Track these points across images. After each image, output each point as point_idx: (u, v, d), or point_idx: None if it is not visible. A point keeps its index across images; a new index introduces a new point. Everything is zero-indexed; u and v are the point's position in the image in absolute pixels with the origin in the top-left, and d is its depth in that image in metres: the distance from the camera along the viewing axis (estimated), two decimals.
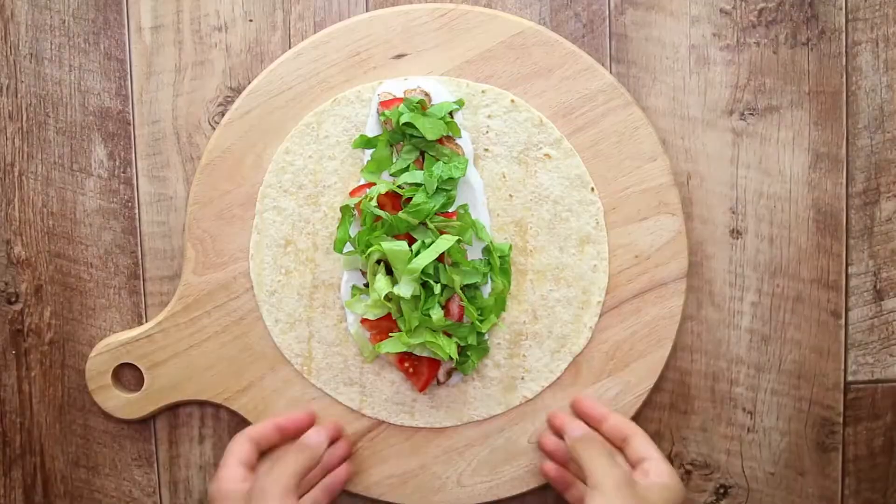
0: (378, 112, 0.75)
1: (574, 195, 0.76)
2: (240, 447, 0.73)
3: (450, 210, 0.74)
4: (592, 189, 0.76)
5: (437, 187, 0.73)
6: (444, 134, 0.74)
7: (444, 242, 0.72)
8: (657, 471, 0.70)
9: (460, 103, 0.75)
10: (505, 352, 0.77)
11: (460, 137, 0.75)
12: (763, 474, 0.81)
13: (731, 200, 0.79)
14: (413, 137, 0.74)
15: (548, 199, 0.76)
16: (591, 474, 0.68)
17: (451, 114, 0.75)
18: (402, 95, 0.75)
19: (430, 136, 0.73)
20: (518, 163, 0.76)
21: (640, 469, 0.71)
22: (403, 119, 0.73)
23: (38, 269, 0.81)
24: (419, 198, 0.72)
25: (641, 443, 0.72)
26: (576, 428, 0.73)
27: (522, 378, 0.76)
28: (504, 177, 0.76)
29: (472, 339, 0.74)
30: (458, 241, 0.73)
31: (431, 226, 0.73)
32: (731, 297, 0.80)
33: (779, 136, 0.79)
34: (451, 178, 0.73)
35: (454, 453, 0.79)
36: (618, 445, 0.74)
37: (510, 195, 0.76)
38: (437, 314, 0.72)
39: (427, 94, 0.75)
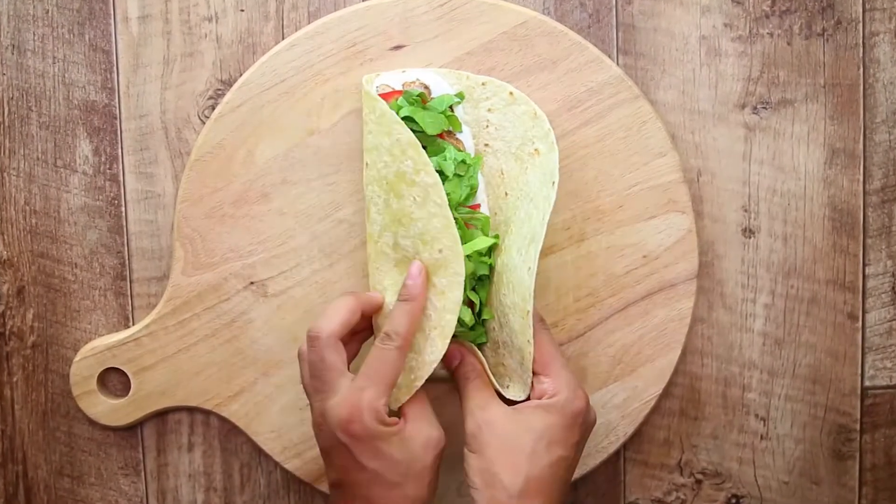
0: None
1: (543, 191, 0.70)
2: (336, 349, 0.67)
3: (472, 203, 0.72)
4: (553, 183, 0.69)
5: (455, 174, 0.71)
6: (446, 128, 0.72)
7: (484, 241, 0.70)
8: (538, 390, 0.68)
9: (461, 96, 0.73)
10: (491, 360, 0.73)
11: (461, 132, 0.73)
12: (777, 483, 0.80)
13: (744, 198, 0.77)
14: (413, 132, 0.71)
15: (527, 196, 0.72)
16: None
17: (451, 107, 0.72)
18: (400, 88, 0.72)
19: (430, 131, 0.71)
20: (515, 159, 0.73)
21: (533, 389, 0.69)
22: (403, 113, 0.70)
23: (20, 269, 0.79)
24: (448, 187, 0.70)
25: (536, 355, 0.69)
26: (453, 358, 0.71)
27: (507, 387, 0.72)
28: (502, 173, 0.74)
29: (482, 339, 0.73)
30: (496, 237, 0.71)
31: (458, 216, 0.70)
32: (743, 299, 0.78)
33: (793, 130, 0.77)
34: (463, 162, 0.71)
35: (454, 461, 0.76)
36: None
37: (506, 193, 0.73)
38: (467, 314, 0.70)
39: (427, 87, 0.73)
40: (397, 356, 0.66)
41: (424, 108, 0.71)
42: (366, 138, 0.71)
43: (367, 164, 0.71)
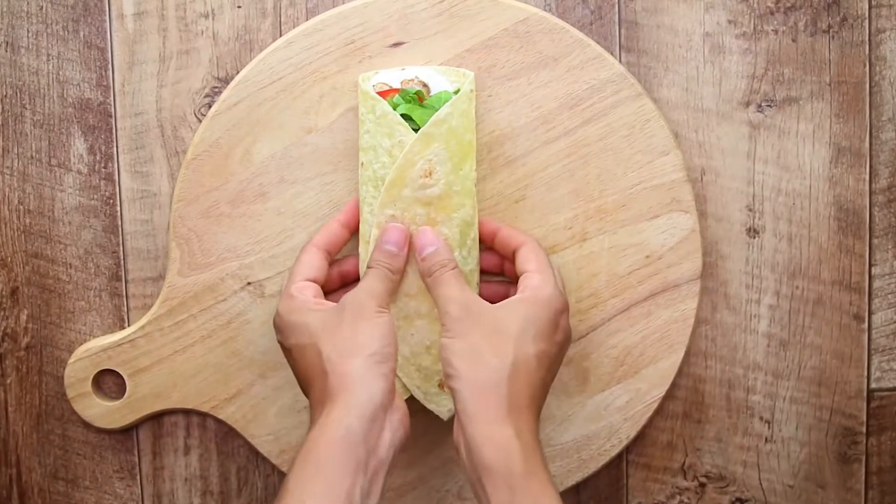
0: None
1: None
2: (309, 258, 0.69)
3: None
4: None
5: None
6: None
7: None
8: (523, 285, 0.67)
9: (457, 93, 0.72)
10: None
11: None
12: (781, 487, 0.79)
13: (748, 197, 0.76)
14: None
15: None
16: (437, 307, 0.67)
17: None
18: (398, 86, 0.71)
19: None
20: None
21: (519, 285, 0.68)
22: (399, 111, 0.70)
23: (13, 270, 0.78)
24: None
25: (524, 254, 0.69)
26: (427, 245, 0.68)
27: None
28: None
29: None
30: None
31: None
32: (747, 300, 0.77)
33: (798, 129, 0.76)
34: None
35: (453, 465, 0.76)
36: (510, 260, 0.71)
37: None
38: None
39: (425, 85, 0.72)
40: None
41: (421, 107, 0.70)
42: (362, 137, 0.70)
43: (362, 163, 0.70)
